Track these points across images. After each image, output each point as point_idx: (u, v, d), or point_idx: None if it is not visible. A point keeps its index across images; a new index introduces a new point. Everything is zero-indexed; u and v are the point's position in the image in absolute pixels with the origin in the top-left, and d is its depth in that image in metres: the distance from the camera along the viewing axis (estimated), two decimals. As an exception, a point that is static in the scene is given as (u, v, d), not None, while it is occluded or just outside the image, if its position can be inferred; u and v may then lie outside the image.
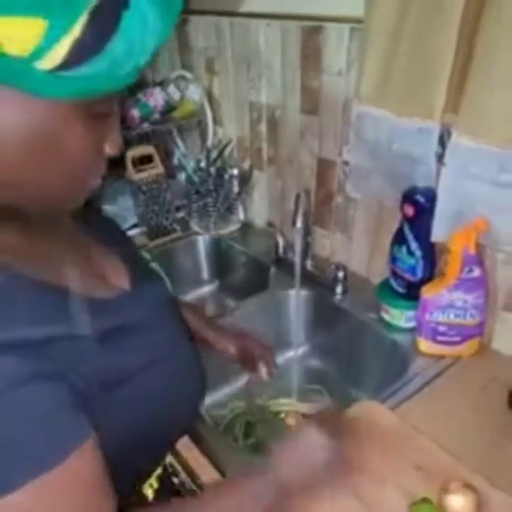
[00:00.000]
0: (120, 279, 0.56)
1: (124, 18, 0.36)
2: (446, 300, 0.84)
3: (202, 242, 1.41)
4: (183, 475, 0.75)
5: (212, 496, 0.56)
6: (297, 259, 1.04)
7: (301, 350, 1.15)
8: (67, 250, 0.52)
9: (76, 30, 0.34)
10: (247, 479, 0.57)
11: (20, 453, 0.37)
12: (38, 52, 0.34)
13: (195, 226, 1.41)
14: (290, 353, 1.14)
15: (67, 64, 0.35)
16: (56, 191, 0.44)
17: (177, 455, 0.75)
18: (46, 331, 0.41)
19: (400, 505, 0.63)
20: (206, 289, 1.46)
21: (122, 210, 1.45)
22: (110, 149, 0.46)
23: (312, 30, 0.98)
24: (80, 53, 0.35)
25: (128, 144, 1.29)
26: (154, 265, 0.70)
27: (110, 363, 0.46)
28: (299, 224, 1.00)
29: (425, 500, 0.62)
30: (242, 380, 1.04)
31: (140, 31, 0.37)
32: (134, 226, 1.39)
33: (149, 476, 0.66)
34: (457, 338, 0.88)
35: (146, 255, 0.71)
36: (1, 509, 0.36)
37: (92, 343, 0.44)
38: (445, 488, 0.62)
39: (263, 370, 0.82)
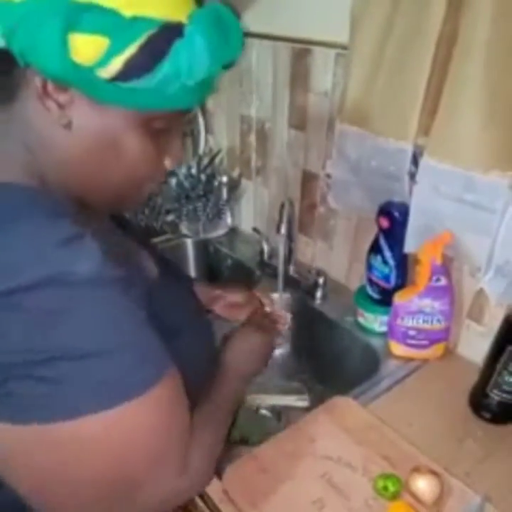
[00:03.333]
0: (150, 272, 0.62)
1: (175, 46, 0.43)
2: (416, 306, 0.91)
3: (190, 245, 1.46)
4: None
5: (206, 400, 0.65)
6: (280, 265, 1.10)
7: (281, 350, 1.21)
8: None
9: (131, 50, 0.42)
10: (220, 379, 0.69)
11: (143, 357, 0.45)
12: (100, 63, 0.42)
13: (184, 229, 1.46)
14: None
15: (121, 76, 0.43)
16: (113, 191, 0.52)
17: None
18: (131, 272, 0.48)
19: (366, 488, 0.70)
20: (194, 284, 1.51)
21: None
22: (169, 163, 0.54)
23: (301, 52, 1.04)
24: (132, 69, 0.43)
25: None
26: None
27: (163, 315, 0.52)
28: (283, 231, 1.06)
29: (392, 475, 0.69)
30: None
31: (188, 59, 0.44)
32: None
33: None
34: (425, 342, 0.94)
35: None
36: (126, 413, 0.43)
37: (152, 291, 0.51)
38: (414, 469, 0.69)
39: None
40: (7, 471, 0.45)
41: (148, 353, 0.46)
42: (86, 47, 0.41)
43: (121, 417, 0.43)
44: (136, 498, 0.48)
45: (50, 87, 0.44)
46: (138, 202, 0.56)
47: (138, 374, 0.44)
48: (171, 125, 0.51)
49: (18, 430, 0.42)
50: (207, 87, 0.50)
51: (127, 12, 0.41)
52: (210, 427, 0.60)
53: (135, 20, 0.42)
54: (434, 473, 0.68)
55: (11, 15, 0.40)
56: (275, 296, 1.01)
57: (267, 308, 0.94)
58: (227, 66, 0.49)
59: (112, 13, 0.41)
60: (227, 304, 0.95)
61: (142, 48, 0.42)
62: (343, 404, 0.84)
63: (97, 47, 0.41)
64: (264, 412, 1.03)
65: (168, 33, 0.43)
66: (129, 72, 0.43)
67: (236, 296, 0.95)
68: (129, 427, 0.45)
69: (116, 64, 0.42)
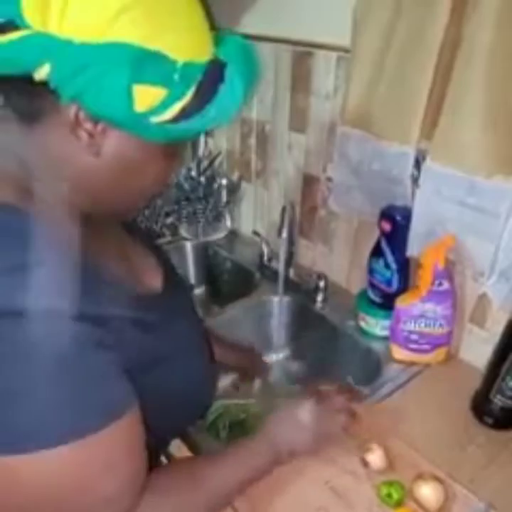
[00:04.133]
0: (154, 280, 0.62)
1: (220, 90, 0.44)
2: (418, 310, 0.90)
3: (190, 247, 1.46)
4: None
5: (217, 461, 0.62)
6: (281, 268, 1.10)
7: (282, 354, 1.21)
8: (114, 247, 0.58)
9: (187, 98, 0.43)
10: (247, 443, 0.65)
11: (85, 405, 0.44)
12: (156, 111, 0.43)
13: (183, 232, 1.46)
14: (272, 356, 1.20)
15: (173, 120, 0.44)
16: (125, 205, 0.54)
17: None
18: (109, 311, 0.47)
19: (370, 496, 0.69)
20: (193, 293, 1.51)
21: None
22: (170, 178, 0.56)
23: (303, 54, 1.04)
24: (184, 114, 0.44)
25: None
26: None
27: (148, 347, 0.52)
28: (284, 234, 1.06)
29: (396, 482, 0.68)
30: (226, 380, 1.09)
31: (230, 99, 0.46)
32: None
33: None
34: (427, 347, 0.94)
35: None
36: (70, 455, 0.42)
37: (135, 327, 0.50)
38: (418, 476, 0.68)
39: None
40: None
41: (90, 400, 0.44)
42: (146, 97, 0.42)
43: (61, 458, 0.42)
44: None
45: (82, 116, 0.43)
46: (138, 212, 0.58)
47: (79, 419, 0.43)
48: (186, 146, 0.54)
49: None
50: None
51: (181, 58, 0.42)
52: (187, 489, 0.56)
53: (187, 66, 0.42)
54: (437, 479, 0.68)
55: (69, 58, 0.39)
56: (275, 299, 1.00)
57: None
58: None
59: (170, 61, 0.41)
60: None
61: (194, 94, 0.43)
62: (345, 409, 0.84)
63: (157, 96, 0.42)
64: (264, 416, 1.03)
65: (213, 76, 0.44)
66: (180, 117, 0.44)
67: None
68: (67, 469, 0.43)
69: (173, 112, 0.43)
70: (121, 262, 0.57)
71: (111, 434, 0.45)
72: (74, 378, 0.43)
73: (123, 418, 0.45)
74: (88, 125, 0.44)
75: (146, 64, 0.40)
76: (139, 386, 0.49)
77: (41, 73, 0.39)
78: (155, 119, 0.43)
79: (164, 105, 0.42)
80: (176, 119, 0.44)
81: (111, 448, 0.45)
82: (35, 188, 0.47)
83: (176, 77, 0.42)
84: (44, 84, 0.40)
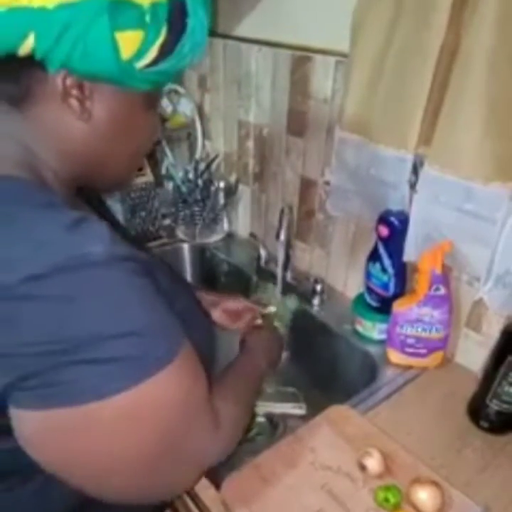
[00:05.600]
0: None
1: (188, 23, 0.47)
2: (415, 315, 0.91)
3: (187, 249, 1.46)
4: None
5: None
6: (279, 271, 1.10)
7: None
8: None
9: (162, 36, 0.45)
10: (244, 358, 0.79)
11: (171, 325, 0.48)
12: (138, 56, 0.44)
13: (180, 234, 1.46)
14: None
15: (153, 63, 0.46)
16: (123, 167, 0.55)
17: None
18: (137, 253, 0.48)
19: (367, 500, 0.69)
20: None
21: (109, 215, 1.49)
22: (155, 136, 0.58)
23: (301, 58, 1.04)
24: (163, 53, 0.46)
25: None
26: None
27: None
28: (282, 237, 1.06)
29: (393, 486, 0.69)
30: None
31: (200, 31, 0.48)
32: (121, 232, 1.44)
33: None
34: (424, 351, 0.94)
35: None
36: (158, 382, 0.45)
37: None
38: (415, 480, 0.68)
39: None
40: (57, 464, 0.47)
41: (167, 328, 0.47)
42: (129, 42, 0.43)
43: (156, 387, 0.45)
44: (182, 456, 0.52)
45: (69, 83, 0.45)
46: (129, 183, 0.60)
47: (162, 348, 0.46)
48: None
49: (68, 412, 0.42)
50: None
51: (145, 1, 0.43)
52: (233, 393, 0.64)
53: (154, 6, 0.44)
54: (434, 483, 0.68)
55: (49, 23, 0.40)
56: (272, 309, 1.01)
57: (271, 309, 0.99)
58: None
59: (137, 5, 0.43)
60: (224, 310, 0.95)
61: (168, 31, 0.45)
62: (342, 413, 0.84)
63: (137, 40, 0.44)
64: (260, 419, 1.03)
65: (179, 11, 0.46)
66: (160, 57, 0.46)
67: (233, 304, 0.95)
68: (164, 393, 0.47)
69: (153, 53, 0.45)
70: None
71: (188, 346, 0.50)
72: (155, 304, 0.47)
73: (185, 344, 0.50)
74: (76, 91, 0.45)
75: (120, 10, 0.42)
76: None
77: (26, 47, 0.41)
78: (138, 65, 0.45)
79: (145, 47, 0.45)
80: (155, 61, 0.46)
81: (194, 358, 0.51)
82: (36, 165, 0.48)
83: (148, 18, 0.44)
84: (29, 59, 0.42)
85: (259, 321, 0.96)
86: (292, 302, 1.10)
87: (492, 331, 0.88)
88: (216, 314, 0.96)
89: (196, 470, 0.56)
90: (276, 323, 1.00)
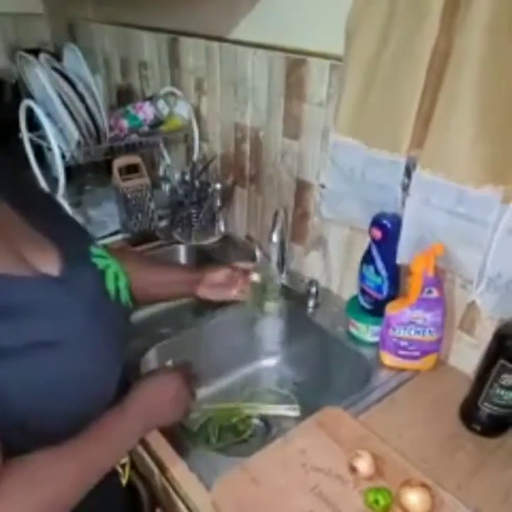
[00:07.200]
0: (46, 263, 0.57)
1: None
2: (408, 317, 0.91)
3: (183, 251, 1.46)
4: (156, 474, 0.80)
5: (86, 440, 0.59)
6: (275, 273, 1.10)
7: (273, 359, 1.21)
8: None
9: None
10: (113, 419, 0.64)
11: None
12: None
13: (177, 236, 1.46)
14: (263, 361, 1.20)
15: None
16: None
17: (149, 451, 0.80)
18: None
19: (357, 502, 0.69)
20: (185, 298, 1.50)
21: (106, 215, 1.50)
22: None
23: (297, 62, 1.04)
24: None
25: (116, 152, 1.35)
26: (104, 254, 0.69)
27: (48, 320, 0.51)
28: (275, 239, 1.06)
29: (383, 488, 0.69)
30: (213, 386, 1.10)
31: None
32: (116, 232, 1.44)
33: None
34: (417, 353, 0.94)
35: (100, 246, 0.71)
36: None
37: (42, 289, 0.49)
38: (405, 483, 0.68)
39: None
40: None
41: None
42: None
43: None
44: None
45: None
46: None
47: None
48: None
49: None
50: None
51: None
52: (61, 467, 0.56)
53: None
54: (425, 486, 0.68)
55: None
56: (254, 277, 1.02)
57: (254, 277, 0.97)
58: None
59: None
60: (208, 284, 0.94)
61: None
62: (334, 415, 0.84)
63: None
64: (254, 421, 1.03)
65: None
66: None
67: (216, 276, 0.95)
68: None
69: None
70: None
71: None
72: None
73: None
74: None
75: None
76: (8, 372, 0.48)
77: None
78: None
79: None
80: None
81: None
82: None
83: None
84: None
85: (254, 277, 0.96)
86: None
87: (485, 334, 0.88)
88: (203, 291, 0.95)
89: None
90: (266, 300, 1.00)
